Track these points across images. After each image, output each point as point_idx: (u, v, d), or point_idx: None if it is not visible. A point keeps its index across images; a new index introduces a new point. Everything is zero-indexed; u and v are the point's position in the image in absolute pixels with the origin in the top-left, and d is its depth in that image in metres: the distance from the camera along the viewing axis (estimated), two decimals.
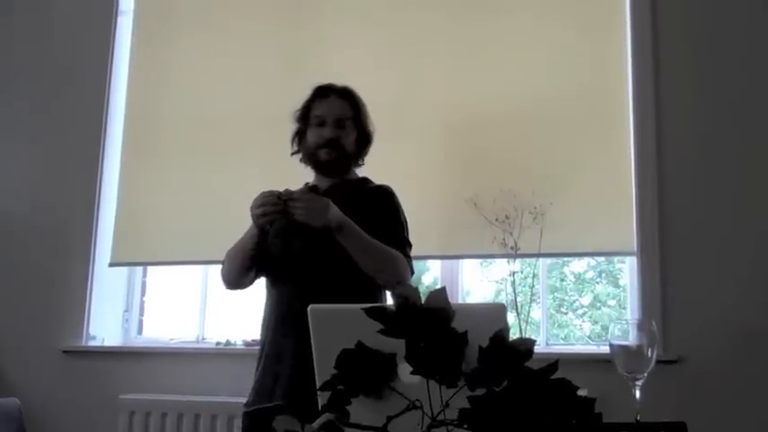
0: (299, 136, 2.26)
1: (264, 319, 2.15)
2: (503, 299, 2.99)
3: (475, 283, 3.25)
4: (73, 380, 3.27)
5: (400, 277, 2.05)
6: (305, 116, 2.24)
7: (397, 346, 0.89)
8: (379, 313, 0.89)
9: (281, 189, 2.02)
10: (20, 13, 3.74)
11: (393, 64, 3.13)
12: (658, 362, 1.35)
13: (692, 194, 2.75)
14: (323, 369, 1.04)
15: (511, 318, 2.73)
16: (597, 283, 3.25)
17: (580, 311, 3.23)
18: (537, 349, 0.85)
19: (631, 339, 1.38)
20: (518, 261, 2.82)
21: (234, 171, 3.22)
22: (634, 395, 1.32)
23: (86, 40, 3.59)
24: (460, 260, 3.07)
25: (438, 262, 3.11)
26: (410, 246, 2.18)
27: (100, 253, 3.39)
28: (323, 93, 2.23)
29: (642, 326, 1.52)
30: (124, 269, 3.47)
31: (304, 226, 1.95)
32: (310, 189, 2.13)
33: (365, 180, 2.29)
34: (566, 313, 3.24)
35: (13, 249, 3.49)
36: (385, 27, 3.19)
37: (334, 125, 2.17)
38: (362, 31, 3.22)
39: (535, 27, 3.01)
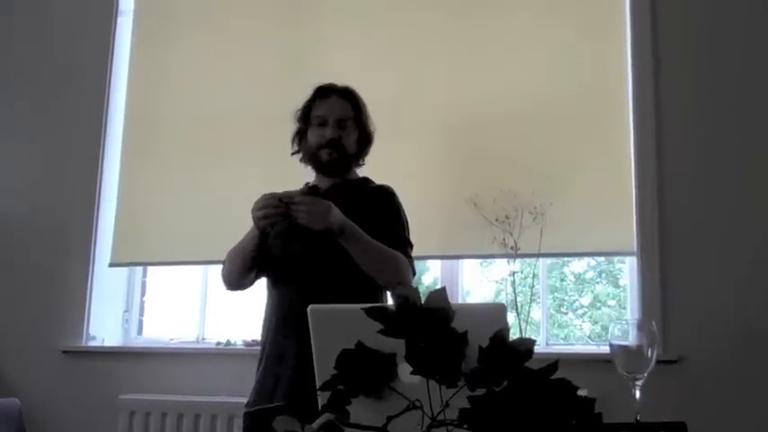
0: (300, 136, 2.25)
1: (265, 320, 2.15)
2: (503, 299, 2.99)
3: (475, 283, 3.25)
4: (73, 380, 3.27)
5: (402, 278, 2.04)
6: (306, 116, 2.23)
7: (397, 346, 0.89)
8: (379, 313, 0.90)
9: (282, 190, 2.02)
10: (20, 13, 3.74)
11: (393, 64, 3.13)
12: (658, 362, 1.35)
13: (692, 194, 2.75)
14: (323, 369, 1.04)
15: (511, 318, 2.73)
16: (597, 283, 3.25)
17: (580, 311, 3.23)
18: (537, 349, 0.85)
19: (631, 339, 1.37)
20: (518, 261, 2.82)
21: (234, 171, 3.22)
22: (634, 395, 1.32)
23: (86, 40, 3.59)
24: (460, 260, 3.07)
25: (438, 262, 3.11)
26: (411, 246, 2.18)
27: (100, 253, 3.39)
28: (324, 93, 2.23)
29: (642, 326, 1.52)
30: (124, 269, 3.47)
31: (305, 228, 1.95)
32: (311, 189, 2.13)
33: (366, 180, 2.29)
34: (566, 313, 3.24)
35: (13, 249, 3.50)
36: (385, 27, 3.19)
37: (336, 125, 2.17)
38: (362, 31, 3.22)
39: (535, 27, 3.01)
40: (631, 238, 2.77)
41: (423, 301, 0.89)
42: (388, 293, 2.15)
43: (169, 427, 2.98)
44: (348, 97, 2.23)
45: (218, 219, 3.15)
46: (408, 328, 0.88)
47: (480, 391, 0.82)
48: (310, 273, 2.05)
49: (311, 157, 2.21)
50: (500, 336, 0.85)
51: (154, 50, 3.53)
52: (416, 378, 0.89)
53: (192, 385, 3.08)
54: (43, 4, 3.71)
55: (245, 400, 2.12)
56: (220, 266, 2.23)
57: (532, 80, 2.96)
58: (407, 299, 0.89)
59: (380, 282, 2.06)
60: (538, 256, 2.80)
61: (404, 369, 0.91)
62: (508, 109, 2.96)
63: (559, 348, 2.97)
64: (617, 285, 3.16)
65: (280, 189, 2.07)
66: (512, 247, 2.73)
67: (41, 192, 3.52)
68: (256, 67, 3.32)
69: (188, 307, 3.42)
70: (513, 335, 1.21)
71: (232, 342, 3.20)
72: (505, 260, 2.81)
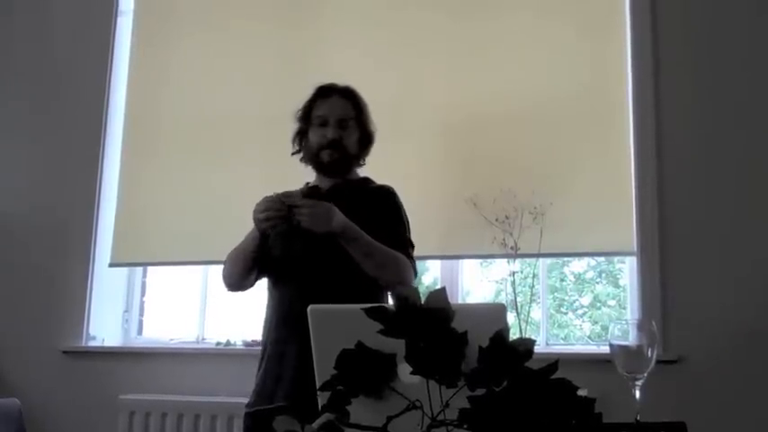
0: (301, 136, 2.25)
1: (266, 321, 2.15)
2: (503, 299, 2.99)
3: (475, 283, 3.24)
4: (73, 380, 3.27)
5: (403, 279, 2.04)
6: (307, 116, 2.23)
7: (397, 346, 0.89)
8: (378, 313, 0.90)
9: (282, 190, 2.01)
10: (20, 13, 3.74)
11: (393, 64, 3.13)
12: (658, 362, 1.35)
13: (691, 194, 2.75)
14: (323, 369, 1.04)
15: (511, 318, 2.73)
16: (597, 283, 3.25)
17: (580, 311, 3.23)
18: (537, 349, 0.85)
19: (631, 339, 1.37)
20: (518, 261, 2.82)
21: (234, 171, 3.22)
22: (634, 395, 1.32)
23: (86, 40, 3.59)
24: (460, 260, 3.07)
25: (438, 262, 3.11)
26: (413, 246, 2.18)
27: (100, 253, 3.39)
28: (325, 92, 2.23)
29: (642, 326, 1.52)
30: (124, 269, 3.47)
31: (307, 230, 1.95)
32: (311, 189, 2.13)
33: (367, 180, 2.28)
34: (566, 313, 3.24)
35: (13, 249, 3.49)
36: (385, 27, 3.19)
37: (337, 125, 2.17)
38: (362, 31, 3.22)
39: (535, 27, 3.01)
40: (631, 238, 2.77)
41: (423, 302, 0.89)
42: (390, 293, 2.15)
43: (169, 427, 2.98)
44: (349, 97, 2.23)
45: (218, 219, 3.15)
46: (408, 328, 0.88)
47: (480, 391, 0.82)
48: (311, 273, 2.05)
49: (312, 158, 2.20)
50: (500, 336, 0.85)
51: (154, 50, 3.52)
52: (416, 378, 0.89)
53: (192, 385, 3.08)
54: (43, 4, 3.71)
55: (244, 401, 2.12)
56: (220, 267, 2.23)
57: (532, 80, 2.96)
58: (407, 299, 0.89)
59: (382, 282, 2.06)
60: (538, 256, 2.80)
61: (404, 369, 0.91)
62: (508, 109, 2.96)
63: (559, 348, 2.97)
64: (617, 285, 3.16)
65: (280, 189, 2.07)
66: (512, 247, 2.73)
67: (41, 192, 3.52)
68: (256, 67, 3.32)
69: (188, 307, 3.42)
70: (513, 335, 1.21)
71: (232, 342, 3.20)
72: (505, 260, 2.81)
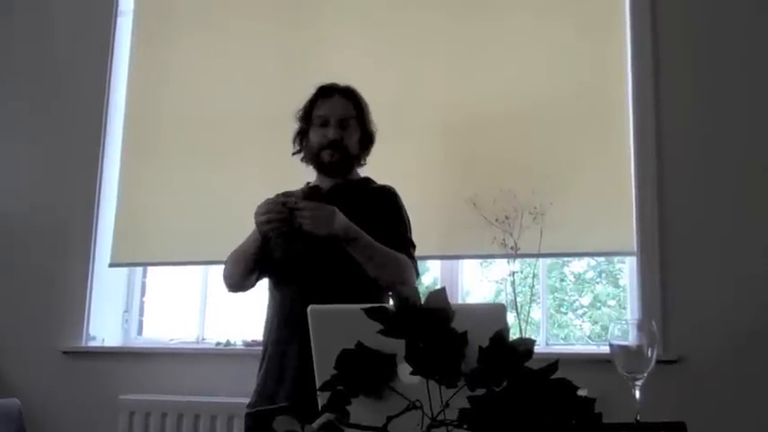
0: (302, 135, 2.25)
1: (267, 321, 2.15)
2: (503, 299, 2.99)
3: (475, 283, 3.24)
4: (73, 380, 3.27)
5: (404, 280, 2.04)
6: (307, 116, 2.22)
7: (397, 346, 0.89)
8: (378, 314, 0.90)
9: (282, 190, 2.01)
10: (20, 13, 3.74)
11: (393, 64, 3.13)
12: (658, 362, 1.35)
13: (691, 194, 2.75)
14: (323, 369, 1.04)
15: (511, 318, 2.73)
16: (597, 283, 3.25)
17: (580, 311, 3.23)
18: (537, 349, 0.85)
19: (631, 339, 1.37)
20: (518, 261, 2.82)
21: (234, 171, 3.22)
22: (634, 395, 1.32)
23: (86, 40, 3.59)
24: (460, 260, 3.07)
25: (438, 262, 3.11)
26: (414, 246, 2.17)
27: (100, 253, 3.39)
28: (326, 92, 2.22)
29: (642, 326, 1.52)
30: (124, 269, 3.47)
31: (308, 231, 1.94)
32: (312, 189, 2.12)
33: (368, 180, 2.28)
34: (566, 313, 3.24)
35: (13, 249, 3.49)
36: (385, 27, 3.19)
37: (338, 125, 2.17)
38: (362, 31, 3.22)
39: (535, 27, 3.01)
40: (631, 238, 2.77)
41: (422, 302, 0.89)
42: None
43: (169, 427, 2.98)
44: (350, 97, 2.22)
45: (218, 219, 3.15)
46: (408, 328, 0.88)
47: (480, 391, 0.82)
48: (312, 273, 2.05)
49: (313, 158, 2.20)
50: (500, 336, 0.85)
51: (154, 50, 3.52)
52: (416, 378, 0.89)
53: (191, 385, 3.08)
54: (43, 4, 3.71)
55: (245, 401, 2.12)
56: (220, 267, 2.23)
57: (532, 80, 2.96)
58: (407, 299, 0.89)
59: (383, 283, 2.06)
60: (538, 256, 2.80)
61: (404, 369, 0.91)
62: (508, 109, 2.96)
63: (559, 348, 2.97)
64: (617, 285, 3.16)
65: (280, 189, 2.07)
66: (512, 248, 2.73)
67: (41, 192, 3.52)
68: (256, 67, 3.32)
69: (188, 307, 3.42)
70: (513, 335, 1.21)
71: (232, 342, 3.20)
72: (505, 260, 2.81)
